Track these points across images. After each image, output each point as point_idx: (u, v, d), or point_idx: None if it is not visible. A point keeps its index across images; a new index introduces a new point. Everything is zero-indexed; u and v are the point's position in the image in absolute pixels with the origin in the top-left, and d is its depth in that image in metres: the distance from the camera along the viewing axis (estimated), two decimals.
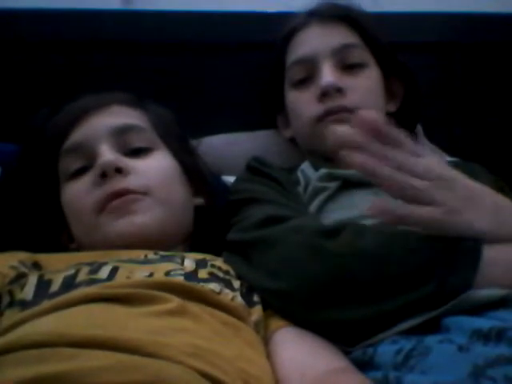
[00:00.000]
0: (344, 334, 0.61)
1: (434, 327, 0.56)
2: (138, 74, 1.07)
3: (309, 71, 0.89)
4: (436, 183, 0.58)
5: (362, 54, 0.90)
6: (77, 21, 1.08)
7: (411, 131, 1.00)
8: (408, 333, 0.57)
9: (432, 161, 0.59)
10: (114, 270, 0.62)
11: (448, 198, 0.58)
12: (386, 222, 0.58)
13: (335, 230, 0.64)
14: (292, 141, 0.98)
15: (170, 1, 1.10)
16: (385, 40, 0.94)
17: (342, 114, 0.85)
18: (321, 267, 0.61)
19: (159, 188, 0.74)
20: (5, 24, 1.06)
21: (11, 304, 0.61)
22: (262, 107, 1.03)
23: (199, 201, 0.83)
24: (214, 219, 0.82)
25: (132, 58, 1.08)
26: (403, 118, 0.97)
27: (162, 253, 0.69)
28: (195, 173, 0.83)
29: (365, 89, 0.88)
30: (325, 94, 0.85)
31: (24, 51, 1.06)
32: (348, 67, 0.88)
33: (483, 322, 0.53)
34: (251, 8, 1.11)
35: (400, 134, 0.59)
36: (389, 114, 0.94)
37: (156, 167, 0.76)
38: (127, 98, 0.83)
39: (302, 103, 0.89)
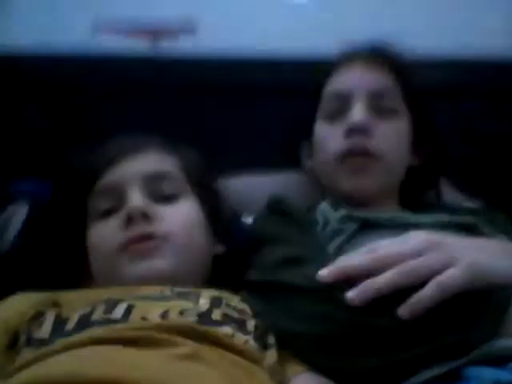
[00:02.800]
0: (364, 382, 0.59)
1: (454, 377, 0.54)
2: (165, 118, 1.09)
3: (342, 106, 0.88)
4: (427, 254, 0.60)
5: (397, 101, 0.88)
6: (105, 65, 1.12)
7: (432, 185, 0.98)
8: (428, 383, 0.55)
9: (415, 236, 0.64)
10: (129, 310, 0.62)
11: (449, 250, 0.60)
12: None
13: None
14: (311, 174, 0.97)
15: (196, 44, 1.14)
16: (419, 89, 0.92)
17: (361, 157, 0.84)
18: (339, 315, 0.60)
19: (181, 236, 0.74)
20: (34, 67, 1.11)
21: (28, 342, 0.62)
22: (289, 136, 1.01)
23: (219, 249, 0.83)
24: (233, 265, 0.82)
25: (160, 102, 1.12)
26: (426, 171, 0.95)
27: (177, 289, 0.68)
28: (219, 222, 0.83)
29: (393, 135, 0.86)
30: (352, 131, 0.84)
31: (55, 94, 1.11)
32: (381, 112, 0.87)
33: (505, 375, 0.51)
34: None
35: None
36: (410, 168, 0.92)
37: (182, 215, 0.77)
38: (163, 143, 0.84)
39: (329, 137, 0.88)
